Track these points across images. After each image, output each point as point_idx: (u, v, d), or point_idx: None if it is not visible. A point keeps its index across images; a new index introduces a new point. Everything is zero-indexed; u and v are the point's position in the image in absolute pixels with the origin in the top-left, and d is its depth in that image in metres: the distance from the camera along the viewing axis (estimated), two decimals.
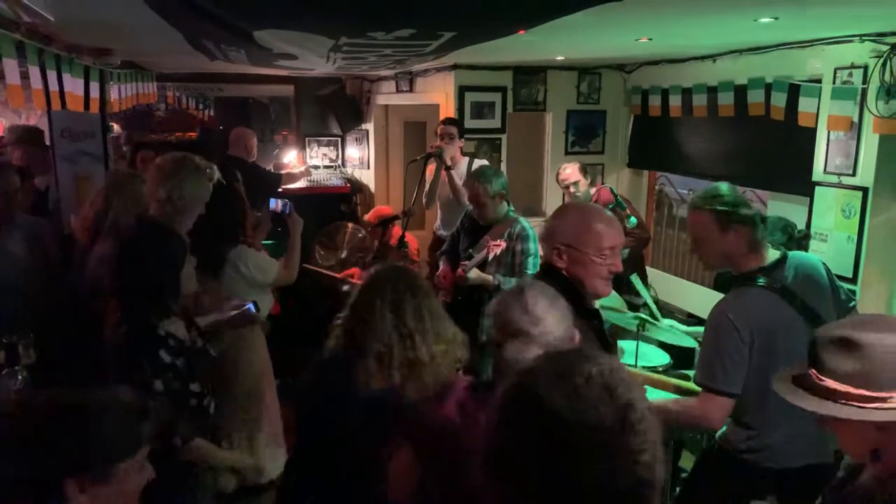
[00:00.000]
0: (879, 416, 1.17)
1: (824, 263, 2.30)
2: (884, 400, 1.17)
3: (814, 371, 1.27)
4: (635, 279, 4.15)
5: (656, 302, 4.47)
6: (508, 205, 3.62)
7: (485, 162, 4.59)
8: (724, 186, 2.17)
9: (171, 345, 2.01)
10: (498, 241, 3.44)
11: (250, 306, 2.61)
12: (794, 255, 2.23)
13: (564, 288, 1.79)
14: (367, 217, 5.51)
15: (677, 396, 2.51)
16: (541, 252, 2.01)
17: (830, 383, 1.22)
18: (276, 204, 3.42)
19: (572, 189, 4.43)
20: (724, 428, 2.22)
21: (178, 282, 2.08)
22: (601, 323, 1.98)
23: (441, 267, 3.72)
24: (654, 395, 2.37)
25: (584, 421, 0.79)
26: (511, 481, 0.82)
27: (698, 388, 2.18)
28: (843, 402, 1.20)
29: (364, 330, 1.75)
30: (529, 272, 3.45)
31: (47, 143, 4.00)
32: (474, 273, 3.44)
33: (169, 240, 2.18)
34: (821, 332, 1.31)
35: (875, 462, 1.22)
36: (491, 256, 3.43)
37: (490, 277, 3.44)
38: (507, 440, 0.84)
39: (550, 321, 1.46)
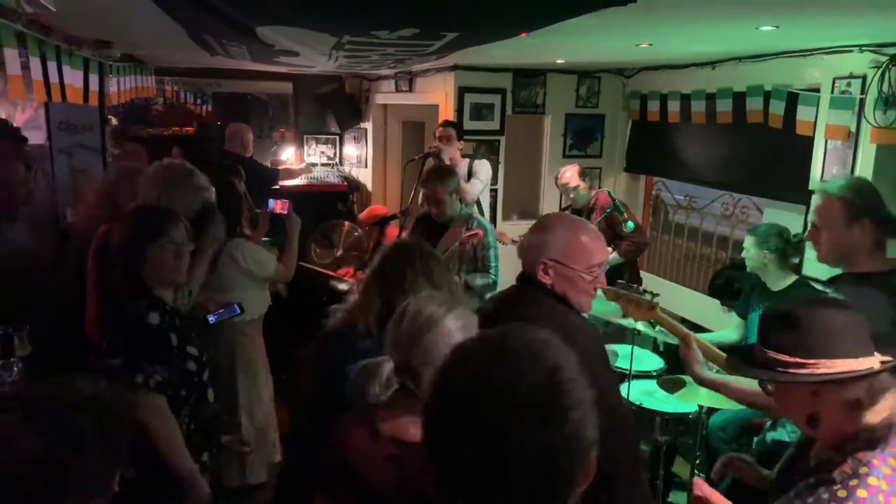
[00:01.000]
0: (807, 378, 1.30)
1: None
2: (814, 366, 1.29)
3: (760, 345, 1.39)
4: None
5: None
6: (461, 203, 3.69)
7: (486, 162, 4.60)
8: (859, 179, 2.13)
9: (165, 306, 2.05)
10: (473, 231, 3.45)
11: (235, 308, 2.61)
12: None
13: (556, 301, 1.82)
14: (361, 216, 5.51)
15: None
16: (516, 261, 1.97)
17: (771, 353, 1.35)
18: (274, 203, 3.43)
19: (572, 194, 4.44)
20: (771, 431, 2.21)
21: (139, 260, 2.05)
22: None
23: None
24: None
25: (511, 381, 0.86)
26: (446, 446, 0.89)
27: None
28: (781, 369, 1.33)
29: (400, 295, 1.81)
30: (492, 265, 3.55)
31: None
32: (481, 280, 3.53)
33: (138, 216, 2.18)
34: (768, 310, 1.45)
35: (813, 428, 1.34)
36: (469, 247, 3.45)
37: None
38: (441, 407, 0.91)
39: None
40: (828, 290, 2.16)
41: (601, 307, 3.36)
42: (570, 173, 4.46)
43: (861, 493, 1.21)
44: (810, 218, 2.20)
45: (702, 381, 2.09)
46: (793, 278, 3.17)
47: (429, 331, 1.42)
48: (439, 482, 0.90)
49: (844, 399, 1.28)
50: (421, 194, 4.32)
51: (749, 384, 2.22)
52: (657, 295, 2.32)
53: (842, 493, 1.22)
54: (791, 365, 1.31)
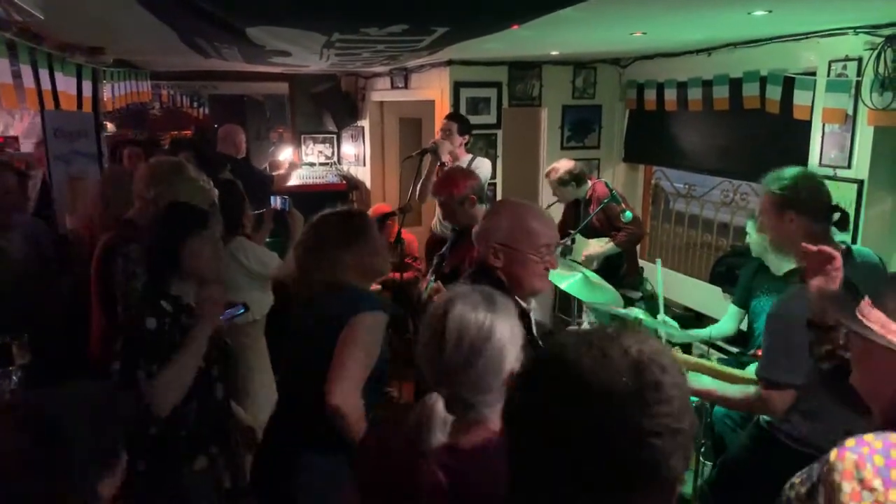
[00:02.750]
0: None
1: (879, 256, 2.27)
2: None
3: (870, 301, 1.30)
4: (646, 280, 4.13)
5: (651, 296, 4.48)
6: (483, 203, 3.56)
7: (486, 161, 4.53)
8: (793, 170, 2.12)
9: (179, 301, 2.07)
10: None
11: (240, 307, 2.60)
12: (858, 249, 2.19)
13: (497, 287, 1.78)
14: None
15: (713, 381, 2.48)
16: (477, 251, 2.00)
17: (875, 312, 1.26)
18: (275, 201, 3.43)
19: (557, 192, 4.38)
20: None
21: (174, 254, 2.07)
22: (528, 327, 1.95)
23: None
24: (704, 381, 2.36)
25: (601, 384, 0.80)
26: (527, 431, 0.84)
27: (737, 373, 2.19)
28: (877, 328, 1.24)
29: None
30: None
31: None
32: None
33: (174, 212, 2.20)
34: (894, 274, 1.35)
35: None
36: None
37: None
38: (529, 394, 0.86)
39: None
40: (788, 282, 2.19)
41: (601, 297, 3.36)
42: (554, 171, 4.36)
43: (850, 441, 1.17)
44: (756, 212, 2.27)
45: (693, 393, 2.11)
46: (795, 262, 3.15)
47: (480, 355, 1.26)
48: (515, 477, 0.86)
49: None
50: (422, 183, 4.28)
51: (734, 390, 2.25)
52: (640, 320, 2.35)
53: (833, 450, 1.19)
54: (892, 331, 1.23)
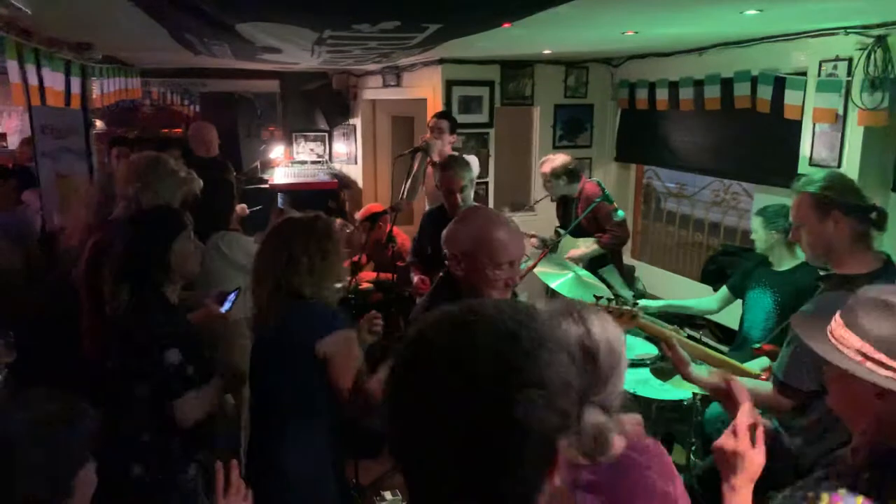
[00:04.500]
0: (880, 381, 1.14)
1: None
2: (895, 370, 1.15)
3: (841, 318, 1.24)
4: (609, 272, 4.13)
5: (642, 295, 4.48)
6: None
7: (473, 157, 4.53)
8: (824, 171, 2.07)
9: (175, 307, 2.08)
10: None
11: (234, 293, 2.57)
12: None
13: (454, 297, 1.77)
14: (358, 215, 5.48)
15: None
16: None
17: (850, 336, 1.20)
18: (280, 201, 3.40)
19: (549, 183, 4.37)
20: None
21: (164, 259, 2.07)
22: None
23: (415, 278, 3.68)
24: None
25: (460, 358, 0.75)
26: (399, 420, 0.79)
27: (745, 367, 2.20)
28: (854, 357, 1.18)
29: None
30: None
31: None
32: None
33: (155, 217, 2.19)
34: (864, 292, 1.27)
35: (869, 430, 1.20)
36: None
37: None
38: (395, 376, 0.81)
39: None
40: (820, 285, 2.13)
41: (588, 296, 3.35)
42: (546, 164, 4.35)
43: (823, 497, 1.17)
44: (791, 219, 2.18)
45: (695, 382, 2.08)
46: (799, 259, 3.15)
47: (620, 362, 1.27)
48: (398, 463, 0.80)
49: None
50: (420, 180, 4.28)
51: (746, 384, 2.23)
52: (636, 304, 2.33)
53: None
54: (869, 360, 1.16)
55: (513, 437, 0.72)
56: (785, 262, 3.16)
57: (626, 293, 3.49)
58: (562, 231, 4.18)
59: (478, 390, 0.73)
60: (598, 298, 2.37)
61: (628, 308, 2.28)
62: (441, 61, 5.02)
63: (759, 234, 3.20)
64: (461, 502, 0.74)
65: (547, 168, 4.30)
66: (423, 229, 3.73)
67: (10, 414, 1.24)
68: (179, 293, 2.17)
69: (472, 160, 4.45)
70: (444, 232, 1.94)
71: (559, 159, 4.33)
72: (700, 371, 2.02)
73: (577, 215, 4.14)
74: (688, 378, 2.04)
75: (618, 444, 1.17)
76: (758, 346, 2.89)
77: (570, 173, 4.30)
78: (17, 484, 1.17)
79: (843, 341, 1.20)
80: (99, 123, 5.76)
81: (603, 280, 3.68)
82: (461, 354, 0.75)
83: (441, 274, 2.04)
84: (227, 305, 2.56)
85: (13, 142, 6.10)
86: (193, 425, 2.02)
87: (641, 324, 2.29)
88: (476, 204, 3.64)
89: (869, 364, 1.16)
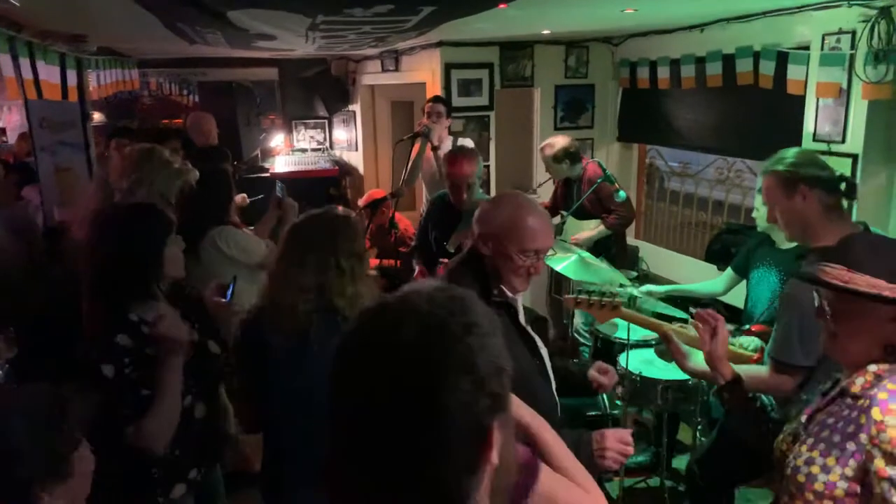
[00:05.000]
0: None
1: None
2: None
3: (839, 266, 1.36)
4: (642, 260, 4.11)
5: (647, 276, 4.46)
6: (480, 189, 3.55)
7: (468, 140, 4.50)
8: (790, 149, 2.09)
9: (139, 330, 1.86)
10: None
11: (231, 285, 2.54)
12: (875, 230, 2.11)
13: (478, 275, 1.83)
14: (360, 202, 5.46)
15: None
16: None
17: (858, 276, 1.33)
18: (277, 189, 3.34)
19: (550, 169, 4.34)
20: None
21: (158, 261, 1.95)
22: (512, 316, 1.90)
23: (417, 269, 3.66)
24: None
25: (389, 346, 0.77)
26: (337, 413, 0.80)
27: (748, 353, 2.19)
28: (871, 290, 1.31)
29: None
30: None
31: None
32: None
33: (148, 216, 2.02)
34: (854, 236, 1.44)
35: (892, 356, 1.32)
36: None
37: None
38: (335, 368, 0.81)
39: None
40: (801, 264, 2.13)
41: (598, 277, 3.34)
42: (547, 148, 4.30)
43: (882, 395, 1.25)
44: (762, 201, 2.22)
45: (693, 374, 2.08)
46: None
47: None
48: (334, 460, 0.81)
49: None
50: (428, 163, 4.25)
51: (748, 371, 2.20)
52: (617, 296, 2.31)
53: (863, 403, 1.28)
54: (884, 289, 1.30)
55: (441, 423, 0.74)
56: (788, 240, 3.13)
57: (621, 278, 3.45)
58: (564, 213, 4.15)
59: (405, 380, 0.75)
60: (578, 292, 2.35)
61: (608, 300, 2.27)
62: (440, 44, 4.97)
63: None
64: (399, 489, 0.76)
65: (548, 153, 4.26)
66: (429, 216, 3.68)
67: (5, 405, 1.25)
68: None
69: (469, 143, 4.42)
70: (478, 210, 1.95)
71: (559, 143, 4.28)
72: (697, 361, 2.02)
73: (580, 197, 4.12)
74: (686, 370, 2.06)
75: None
76: (747, 327, 2.88)
77: (572, 156, 4.27)
78: (17, 471, 1.18)
79: (853, 280, 1.33)
80: (98, 115, 5.75)
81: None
82: (389, 345, 0.77)
83: (459, 257, 2.02)
84: (229, 296, 2.55)
85: (13, 137, 6.10)
86: (178, 444, 1.89)
87: (626, 314, 2.28)
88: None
89: (886, 293, 1.29)
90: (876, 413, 1.23)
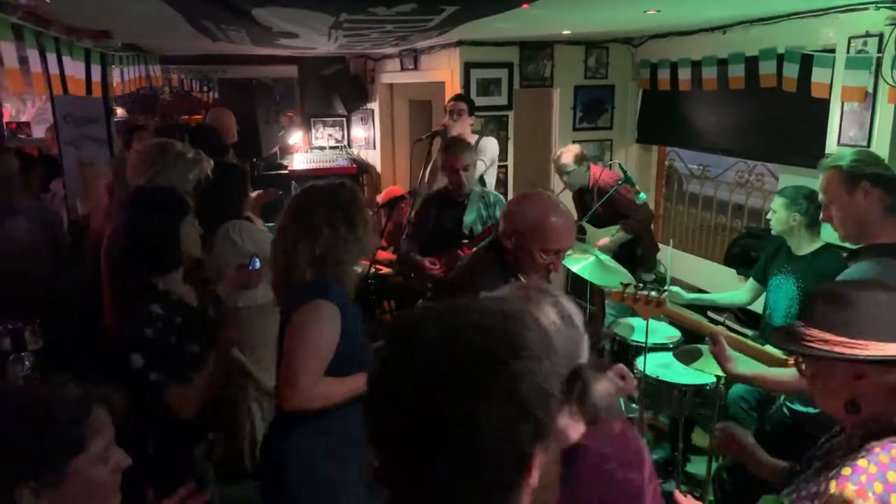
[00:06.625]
0: (851, 358, 1.24)
1: None
2: (864, 347, 1.24)
3: (804, 323, 1.34)
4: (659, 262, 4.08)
5: (664, 279, 4.43)
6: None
7: (492, 139, 4.51)
8: (851, 149, 2.11)
9: (169, 299, 2.03)
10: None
11: (255, 263, 2.56)
12: None
13: (500, 266, 1.92)
14: (379, 198, 5.48)
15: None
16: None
17: (818, 332, 1.30)
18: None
19: (565, 177, 4.34)
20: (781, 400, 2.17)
21: (176, 237, 2.06)
22: None
23: (414, 258, 3.66)
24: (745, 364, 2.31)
25: (449, 355, 0.74)
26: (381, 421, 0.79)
27: (778, 355, 2.16)
28: (829, 348, 1.28)
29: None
30: None
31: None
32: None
33: (166, 195, 2.18)
34: (815, 291, 1.41)
35: (851, 414, 1.28)
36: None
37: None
38: (379, 377, 0.80)
39: None
40: (849, 263, 2.11)
41: (614, 279, 3.32)
42: (564, 154, 4.30)
43: (846, 471, 1.20)
44: (820, 198, 2.19)
45: (737, 378, 2.07)
46: (819, 243, 3.09)
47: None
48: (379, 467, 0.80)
49: (888, 384, 1.24)
50: (432, 164, 4.27)
51: (787, 374, 2.18)
52: (664, 291, 2.30)
53: (834, 473, 1.23)
54: (840, 345, 1.26)
55: (478, 449, 0.72)
56: (805, 246, 3.10)
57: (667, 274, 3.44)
58: (584, 224, 4.17)
59: (442, 402, 0.73)
60: (625, 286, 2.35)
61: (655, 295, 2.26)
62: (459, 43, 4.96)
63: (780, 215, 3.13)
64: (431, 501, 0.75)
65: (568, 157, 4.27)
66: (425, 212, 3.70)
67: (44, 394, 1.25)
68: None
69: (492, 142, 4.43)
70: (506, 206, 2.05)
71: (573, 148, 4.35)
72: (744, 368, 2.02)
73: (593, 205, 4.10)
74: (730, 373, 2.05)
75: (573, 431, 1.15)
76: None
77: (586, 160, 4.32)
78: (59, 459, 1.18)
79: (811, 338, 1.30)
80: (119, 111, 5.81)
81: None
82: (431, 363, 0.75)
83: (484, 243, 2.10)
84: (257, 263, 2.57)
85: (37, 131, 6.18)
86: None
87: (671, 311, 2.27)
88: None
89: (838, 349, 1.26)
90: (832, 486, 1.19)
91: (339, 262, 1.92)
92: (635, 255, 4.24)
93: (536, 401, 0.75)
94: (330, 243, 1.90)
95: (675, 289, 3.46)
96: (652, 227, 4.66)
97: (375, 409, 0.79)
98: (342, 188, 2.00)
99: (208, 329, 2.14)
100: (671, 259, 3.58)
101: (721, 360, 2.05)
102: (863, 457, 1.20)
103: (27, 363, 2.29)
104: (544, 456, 0.77)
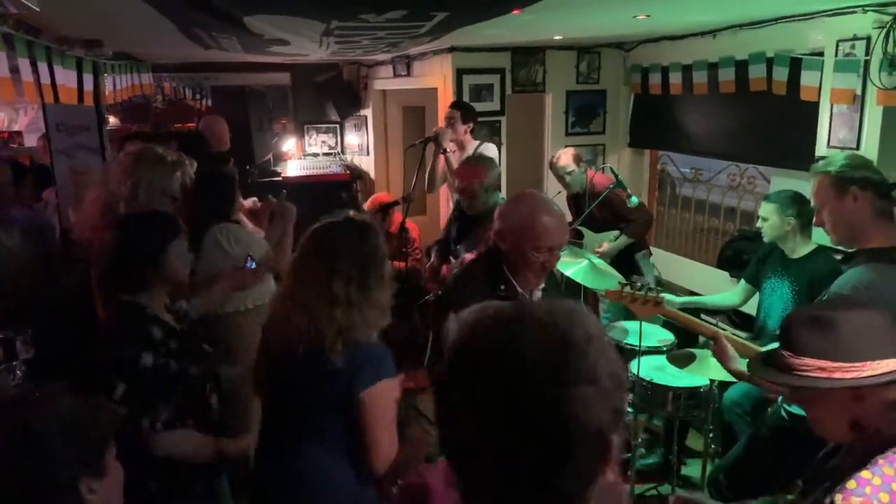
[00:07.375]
0: (853, 382, 1.22)
1: None
2: (859, 369, 1.23)
3: (786, 351, 1.32)
4: (642, 259, 4.10)
5: (659, 282, 4.45)
6: (499, 193, 3.61)
7: (492, 146, 4.50)
8: (841, 153, 2.11)
9: (162, 322, 2.00)
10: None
11: (250, 263, 2.55)
12: None
13: (490, 270, 1.96)
14: (366, 205, 5.48)
15: None
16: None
17: (808, 360, 1.27)
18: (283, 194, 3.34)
19: (567, 178, 4.36)
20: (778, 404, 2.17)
21: (156, 259, 2.01)
22: None
23: (435, 262, 3.71)
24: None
25: (514, 358, 0.76)
26: (456, 413, 0.80)
27: None
28: (822, 375, 1.26)
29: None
30: None
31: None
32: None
33: (156, 219, 2.14)
34: (792, 315, 1.38)
35: (857, 433, 1.27)
36: None
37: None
38: (452, 378, 0.81)
39: None
40: (844, 268, 2.12)
41: (607, 283, 3.33)
42: (563, 156, 4.35)
43: (850, 484, 1.19)
44: (812, 202, 2.21)
45: (741, 377, 2.07)
46: (812, 246, 3.10)
47: None
48: (451, 464, 0.80)
49: (888, 400, 1.24)
50: (429, 171, 4.30)
51: None
52: (661, 291, 2.31)
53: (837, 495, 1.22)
54: (838, 370, 1.24)
55: (569, 434, 0.74)
56: (799, 250, 3.11)
57: (652, 277, 3.46)
58: (582, 229, 4.18)
59: (531, 390, 0.74)
60: (622, 286, 2.37)
61: (653, 295, 2.28)
62: (451, 49, 4.98)
63: (773, 222, 3.13)
64: (516, 499, 0.76)
65: (567, 159, 4.30)
66: (453, 215, 3.80)
67: (37, 406, 1.26)
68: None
69: (491, 148, 4.42)
70: (498, 208, 2.09)
71: (570, 149, 4.39)
72: (743, 365, 2.03)
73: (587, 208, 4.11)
74: (734, 373, 2.07)
75: None
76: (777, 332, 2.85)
77: (580, 161, 4.35)
78: (59, 474, 1.20)
79: (801, 367, 1.28)
80: (112, 120, 5.80)
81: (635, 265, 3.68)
82: (514, 355, 0.76)
83: (479, 251, 2.12)
84: (252, 264, 2.54)
85: (29, 140, 6.16)
86: None
87: (669, 311, 2.28)
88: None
89: (837, 375, 1.24)
90: (838, 499, 1.19)
91: (367, 325, 1.83)
92: (633, 261, 4.24)
93: (614, 387, 0.77)
94: (350, 316, 1.79)
95: (666, 295, 3.47)
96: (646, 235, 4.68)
97: (452, 413, 0.79)
98: (364, 241, 1.89)
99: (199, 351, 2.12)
100: (652, 263, 3.59)
101: (723, 359, 2.07)
102: (867, 469, 1.20)
103: (19, 373, 2.28)
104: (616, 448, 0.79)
